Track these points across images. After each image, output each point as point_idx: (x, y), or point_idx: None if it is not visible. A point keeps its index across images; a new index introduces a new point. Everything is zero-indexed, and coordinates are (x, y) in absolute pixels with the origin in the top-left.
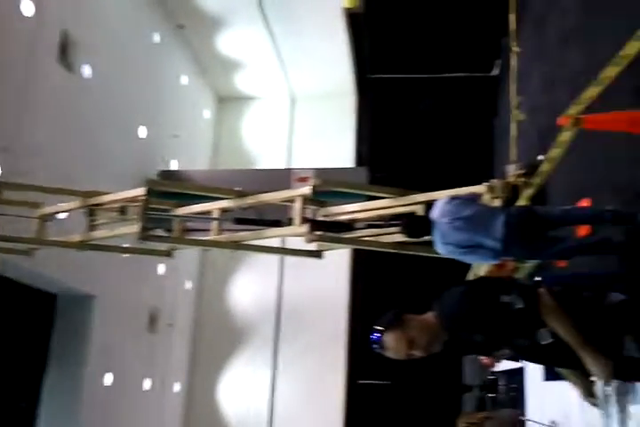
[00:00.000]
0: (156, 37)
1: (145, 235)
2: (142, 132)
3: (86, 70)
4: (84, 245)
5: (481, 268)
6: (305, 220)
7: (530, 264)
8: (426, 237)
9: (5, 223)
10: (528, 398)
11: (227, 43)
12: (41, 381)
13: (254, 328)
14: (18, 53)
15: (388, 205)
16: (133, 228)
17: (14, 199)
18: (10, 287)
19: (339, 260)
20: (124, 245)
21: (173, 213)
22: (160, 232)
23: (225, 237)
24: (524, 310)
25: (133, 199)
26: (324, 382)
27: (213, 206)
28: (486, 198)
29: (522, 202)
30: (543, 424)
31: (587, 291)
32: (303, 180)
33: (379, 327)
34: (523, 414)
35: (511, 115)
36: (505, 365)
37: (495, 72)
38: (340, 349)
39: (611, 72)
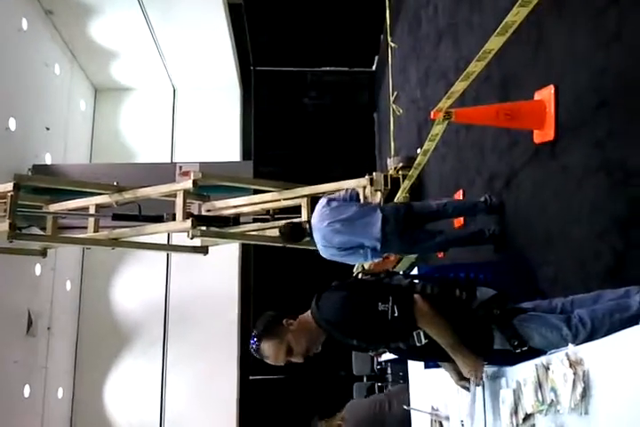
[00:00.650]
0: (24, 23)
1: (14, 234)
2: (12, 124)
3: None
4: None
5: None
6: (188, 215)
7: (411, 256)
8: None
9: None
10: (411, 386)
11: (101, 30)
12: None
13: (142, 329)
14: None
15: (273, 198)
16: (1, 226)
17: None
18: None
19: (228, 255)
20: None
21: (45, 210)
22: (35, 230)
23: (103, 234)
24: (399, 317)
25: (1, 195)
26: (216, 380)
27: (89, 202)
28: (368, 191)
29: (401, 194)
30: (423, 411)
31: (459, 287)
32: (187, 174)
33: (255, 334)
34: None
35: (390, 109)
36: (391, 355)
37: (374, 67)
38: (232, 345)
39: (476, 67)
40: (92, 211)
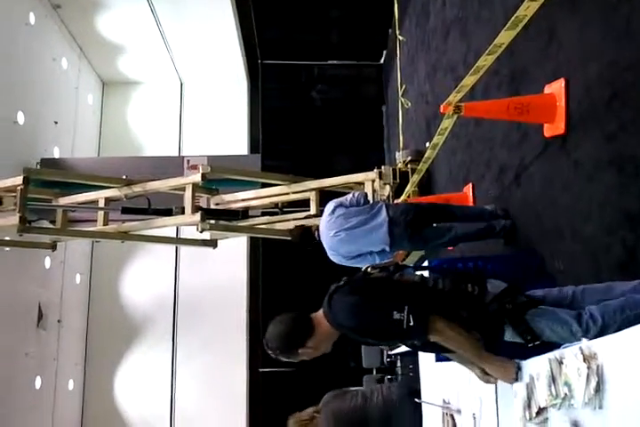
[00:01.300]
0: (32, 18)
1: (24, 227)
2: (20, 118)
3: None
4: None
5: None
6: (197, 208)
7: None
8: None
9: None
10: (422, 379)
11: (108, 24)
12: None
13: (151, 322)
14: None
15: (281, 192)
16: (11, 220)
17: None
18: None
19: (236, 248)
20: (5, 238)
21: (55, 204)
22: (45, 224)
23: (112, 227)
24: (414, 327)
25: (11, 189)
26: (226, 373)
27: (99, 195)
28: (377, 184)
29: (410, 188)
30: (435, 404)
31: (470, 281)
32: (195, 167)
33: (277, 345)
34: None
35: (398, 102)
36: (402, 347)
37: (382, 61)
38: (241, 338)
39: (485, 61)
40: (101, 204)
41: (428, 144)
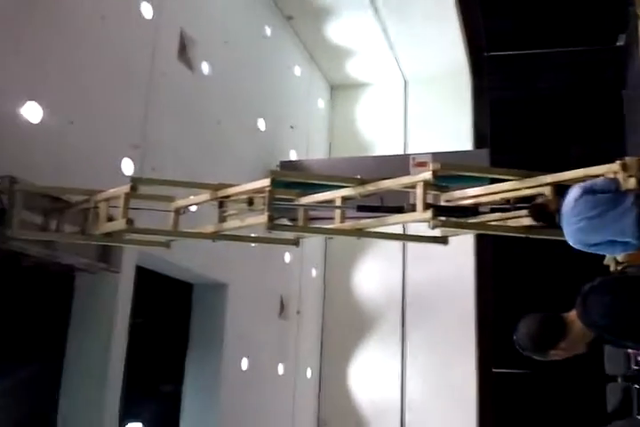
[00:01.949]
0: (267, 30)
1: (272, 225)
2: (261, 124)
3: (205, 67)
4: (216, 236)
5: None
6: (428, 205)
7: None
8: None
9: (142, 217)
10: None
11: (336, 30)
12: (183, 365)
13: (381, 315)
14: (141, 55)
15: (513, 187)
16: (261, 218)
17: (149, 194)
18: (149, 278)
19: (462, 244)
20: (253, 235)
21: (298, 203)
22: (284, 221)
23: (348, 224)
24: None
25: (259, 190)
26: (455, 370)
27: (336, 195)
28: (620, 177)
29: None
30: None
31: None
32: (422, 165)
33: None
34: None
35: None
36: None
37: (620, 42)
38: (469, 335)
39: None
40: (338, 203)
41: None
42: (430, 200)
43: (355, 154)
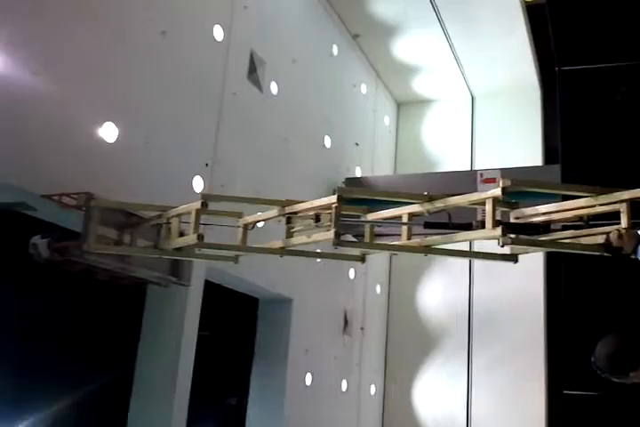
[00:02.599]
0: (334, 49)
1: (339, 241)
2: (327, 142)
3: (273, 87)
4: (284, 252)
5: None
6: (497, 222)
7: None
8: None
9: (211, 232)
10: None
11: (402, 47)
12: (248, 378)
13: (446, 333)
14: (213, 76)
15: (586, 204)
16: (327, 234)
17: (218, 210)
18: (217, 291)
19: (531, 262)
20: (318, 251)
21: (365, 219)
22: (350, 237)
23: (415, 241)
24: None
25: (326, 207)
26: (523, 391)
27: (403, 211)
28: None
29: None
30: None
31: None
32: (490, 181)
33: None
34: None
35: None
36: None
37: None
38: (538, 355)
39: None
40: (404, 219)
41: None
42: (499, 217)
43: (421, 170)
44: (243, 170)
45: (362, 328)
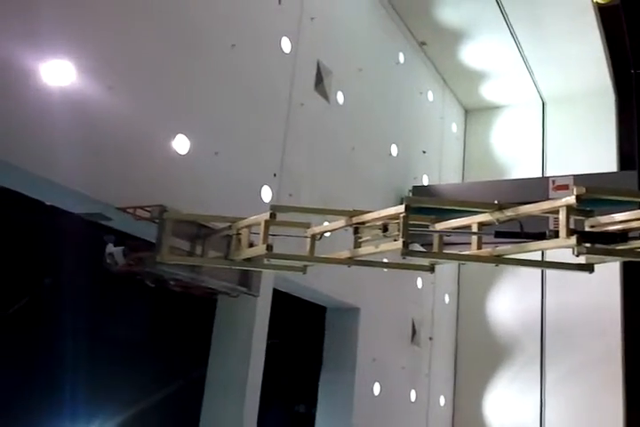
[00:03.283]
0: (401, 57)
1: (407, 251)
2: (394, 150)
3: (340, 97)
4: (352, 262)
5: None
6: (572, 231)
7: None
8: None
9: (278, 243)
10: None
11: (470, 54)
12: (317, 386)
13: (518, 344)
14: (281, 87)
15: None
16: (396, 244)
17: (287, 220)
18: (285, 300)
19: (606, 271)
20: (385, 261)
21: (433, 229)
22: (417, 247)
23: (486, 251)
24: None
25: (394, 216)
26: (599, 406)
27: (472, 220)
28: None
29: None
30: None
31: None
32: (562, 188)
33: None
34: None
35: None
36: None
37: None
38: (615, 369)
39: None
40: (474, 229)
41: None
42: (573, 226)
43: (489, 178)
44: (310, 179)
45: (430, 338)
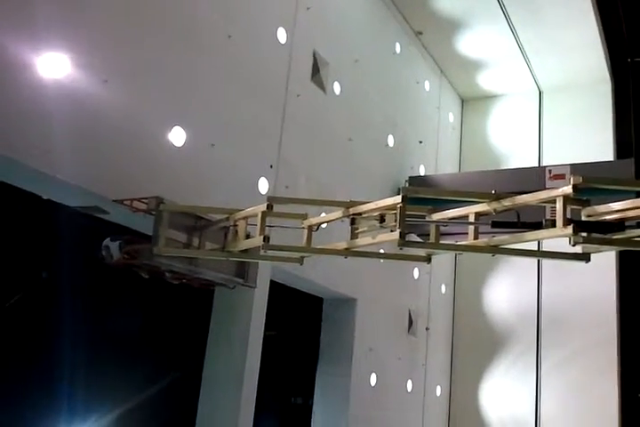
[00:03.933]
0: (397, 47)
1: (404, 241)
2: (390, 141)
3: (336, 87)
4: (349, 253)
5: None
6: (568, 221)
7: None
8: None
9: (276, 234)
10: None
11: (467, 43)
12: (314, 377)
13: (514, 333)
14: (277, 78)
15: None
16: (392, 235)
17: (283, 212)
18: (282, 291)
19: (602, 260)
20: (382, 251)
21: (430, 219)
22: (414, 237)
23: (482, 241)
24: None
25: (390, 207)
26: (594, 394)
27: (469, 211)
28: None
29: None
30: None
31: None
32: (559, 177)
33: None
34: None
35: None
36: None
37: None
38: (610, 357)
39: None
40: (471, 219)
41: None
42: (569, 215)
43: (486, 167)
44: (307, 171)
45: (427, 328)
